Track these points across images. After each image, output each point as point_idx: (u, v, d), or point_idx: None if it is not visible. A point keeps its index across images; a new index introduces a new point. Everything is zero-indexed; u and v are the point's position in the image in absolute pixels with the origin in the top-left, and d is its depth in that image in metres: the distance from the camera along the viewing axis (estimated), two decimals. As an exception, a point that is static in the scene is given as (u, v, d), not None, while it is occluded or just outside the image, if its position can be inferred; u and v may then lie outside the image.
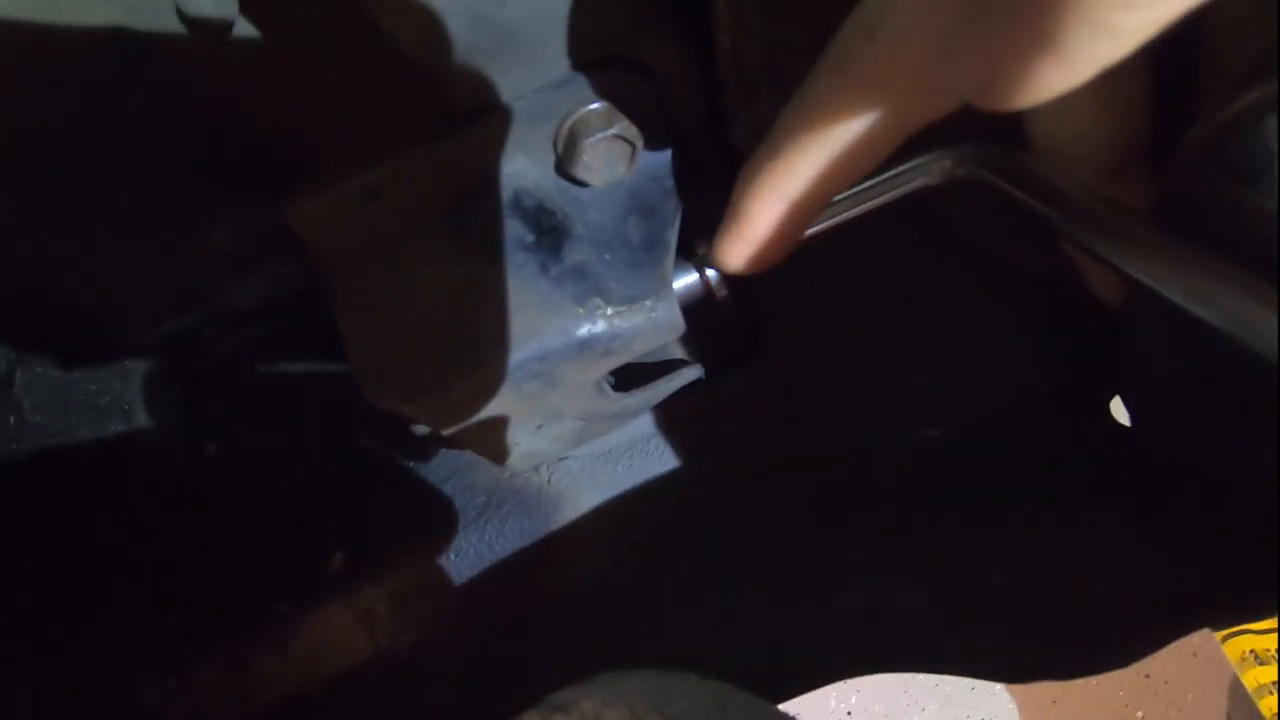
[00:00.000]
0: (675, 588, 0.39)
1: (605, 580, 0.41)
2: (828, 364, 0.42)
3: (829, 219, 0.28)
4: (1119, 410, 0.36)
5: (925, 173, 0.27)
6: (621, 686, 0.28)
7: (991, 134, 0.26)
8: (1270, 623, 0.95)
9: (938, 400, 0.40)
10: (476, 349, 0.25)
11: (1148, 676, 1.07)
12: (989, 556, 0.35)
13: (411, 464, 0.43)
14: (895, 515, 0.39)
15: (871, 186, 0.27)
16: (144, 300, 0.43)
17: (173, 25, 0.28)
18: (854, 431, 0.42)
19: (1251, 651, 0.97)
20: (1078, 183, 0.22)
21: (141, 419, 0.47)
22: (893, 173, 0.26)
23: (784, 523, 0.40)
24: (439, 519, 0.42)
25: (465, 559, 0.42)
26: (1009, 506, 0.37)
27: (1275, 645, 0.94)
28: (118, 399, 0.47)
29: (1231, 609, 0.31)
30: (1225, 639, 0.98)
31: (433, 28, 0.22)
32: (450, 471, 0.43)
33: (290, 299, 0.47)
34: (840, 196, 0.28)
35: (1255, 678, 0.96)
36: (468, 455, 0.43)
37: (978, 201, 0.33)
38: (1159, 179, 0.23)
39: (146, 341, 0.47)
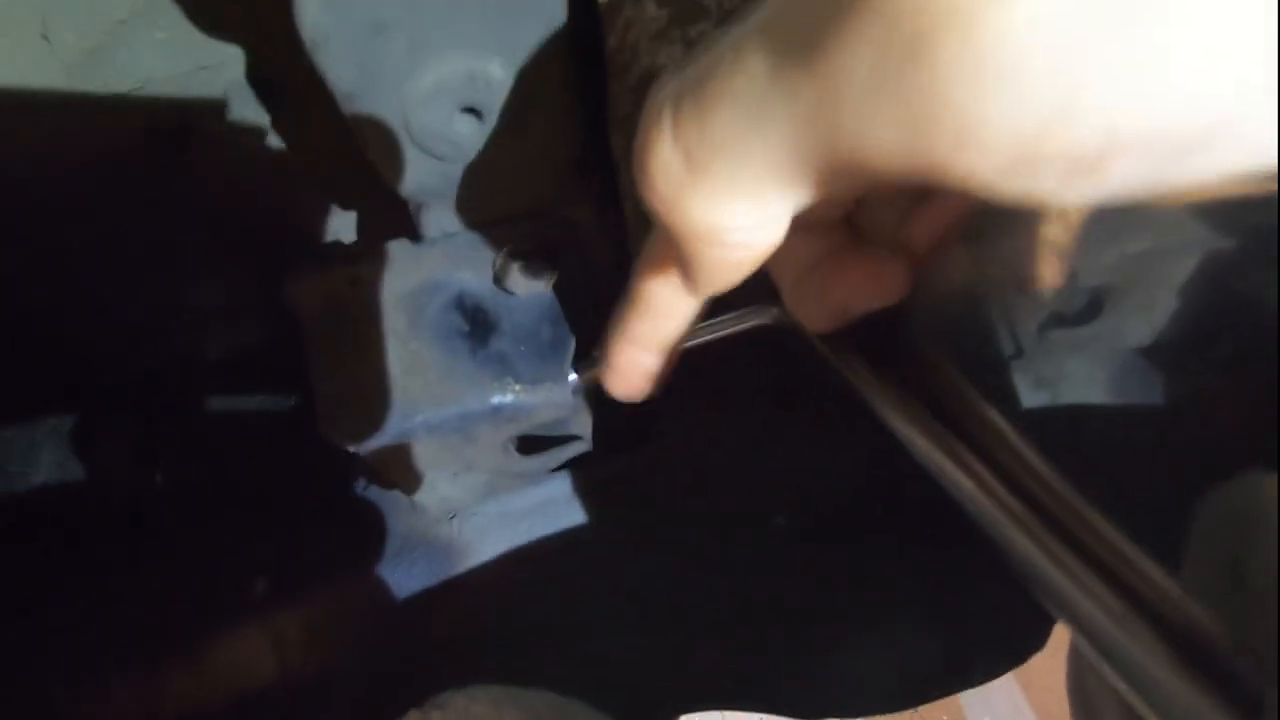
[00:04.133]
0: (558, 630, 0.46)
1: (500, 622, 0.47)
2: (701, 455, 0.52)
3: (688, 341, 0.37)
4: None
5: (762, 316, 0.37)
6: (490, 691, 0.35)
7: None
8: None
9: (785, 491, 0.50)
10: (415, 404, 0.34)
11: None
12: (802, 618, 0.44)
13: (337, 507, 0.50)
14: (741, 586, 0.47)
15: (720, 322, 0.36)
16: (125, 342, 0.50)
17: (211, 122, 0.36)
18: (716, 513, 0.50)
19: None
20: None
21: (96, 447, 0.52)
22: (735, 314, 0.36)
23: (654, 581, 0.48)
24: (358, 556, 0.48)
25: (377, 594, 0.48)
26: (829, 586, 0.46)
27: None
28: (75, 426, 0.52)
29: (980, 671, 0.40)
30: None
31: (407, 172, 0.32)
32: (372, 516, 0.49)
33: (255, 355, 0.54)
34: (698, 326, 0.37)
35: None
36: (388, 503, 0.50)
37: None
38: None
39: (116, 379, 0.53)
